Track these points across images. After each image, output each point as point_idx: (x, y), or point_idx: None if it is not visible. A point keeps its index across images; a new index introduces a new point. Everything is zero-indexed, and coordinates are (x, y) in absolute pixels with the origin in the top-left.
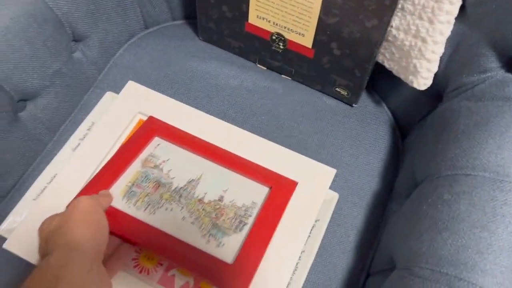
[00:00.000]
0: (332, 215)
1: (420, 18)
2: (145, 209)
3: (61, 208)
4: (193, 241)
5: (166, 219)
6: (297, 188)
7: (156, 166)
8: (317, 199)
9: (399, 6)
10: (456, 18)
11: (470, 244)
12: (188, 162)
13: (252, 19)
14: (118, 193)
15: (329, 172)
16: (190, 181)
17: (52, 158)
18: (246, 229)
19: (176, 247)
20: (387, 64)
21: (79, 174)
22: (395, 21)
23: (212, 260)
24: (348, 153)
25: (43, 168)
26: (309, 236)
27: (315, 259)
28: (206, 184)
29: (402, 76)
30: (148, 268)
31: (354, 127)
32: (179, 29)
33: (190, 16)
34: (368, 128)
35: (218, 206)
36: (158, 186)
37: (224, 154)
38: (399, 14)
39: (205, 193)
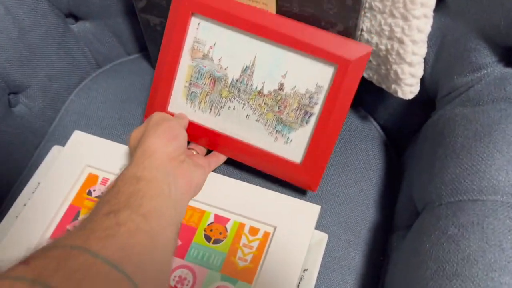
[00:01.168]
0: (324, 259)
1: (392, 15)
2: (210, 111)
3: None
4: (261, 140)
5: (232, 121)
6: (277, 233)
7: (205, 56)
8: (302, 244)
9: (367, 5)
10: (435, 11)
11: None
12: (237, 43)
13: None
14: (180, 96)
15: (313, 210)
16: (245, 70)
17: None
18: (312, 120)
19: (246, 152)
20: (365, 74)
21: (19, 248)
22: (365, 23)
23: (282, 162)
24: (335, 182)
25: None
26: None
27: None
28: (263, 70)
29: (384, 86)
30: None
31: (340, 150)
32: (133, 63)
33: (144, 49)
34: (357, 149)
35: (279, 97)
36: (215, 82)
37: (276, 25)
38: (368, 14)
39: (263, 83)
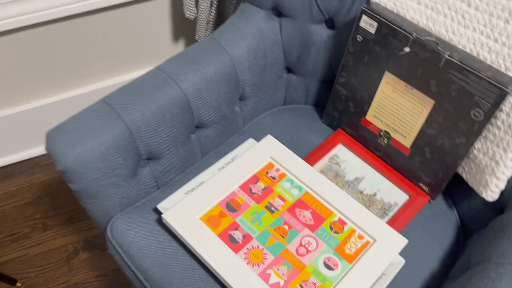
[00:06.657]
0: (395, 276)
1: (498, 146)
2: None
3: (201, 206)
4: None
5: None
6: (376, 243)
7: (337, 163)
8: (388, 257)
9: (483, 134)
10: None
11: None
12: (358, 165)
13: (369, 116)
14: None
15: (402, 241)
16: (357, 178)
17: (199, 172)
18: (386, 218)
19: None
20: (464, 176)
21: (218, 187)
22: (477, 144)
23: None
24: (419, 235)
25: (190, 178)
26: (374, 284)
27: None
28: (367, 182)
29: (474, 187)
30: (254, 263)
31: (428, 218)
32: (308, 111)
33: (318, 104)
34: (439, 223)
35: (372, 199)
36: (336, 176)
37: (382, 165)
38: (482, 140)
39: (365, 188)
